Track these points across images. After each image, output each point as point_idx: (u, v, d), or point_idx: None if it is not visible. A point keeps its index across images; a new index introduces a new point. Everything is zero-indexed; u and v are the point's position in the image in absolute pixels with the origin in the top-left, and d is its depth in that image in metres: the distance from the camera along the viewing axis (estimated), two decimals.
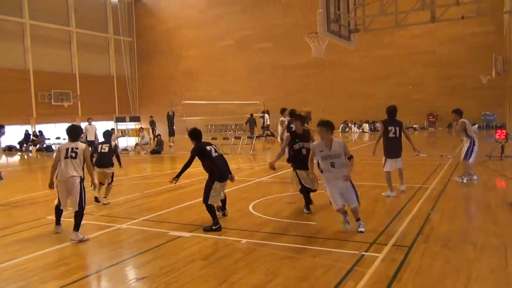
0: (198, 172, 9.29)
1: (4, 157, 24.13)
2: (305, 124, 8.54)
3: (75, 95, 36.28)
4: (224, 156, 7.47)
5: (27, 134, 28.75)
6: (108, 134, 10.16)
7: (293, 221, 7.17)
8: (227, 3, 37.50)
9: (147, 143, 23.56)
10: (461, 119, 10.06)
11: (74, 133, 7.07)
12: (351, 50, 21.29)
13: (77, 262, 5.70)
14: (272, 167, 7.79)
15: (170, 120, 24.76)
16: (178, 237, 6.50)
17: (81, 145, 6.91)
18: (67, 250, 6.16)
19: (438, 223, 6.80)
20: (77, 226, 6.59)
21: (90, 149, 7.25)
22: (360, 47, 17.94)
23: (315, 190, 7.71)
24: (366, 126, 31.28)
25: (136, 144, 23.62)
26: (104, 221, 7.72)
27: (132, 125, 37.07)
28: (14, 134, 30.59)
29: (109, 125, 33.11)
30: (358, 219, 6.46)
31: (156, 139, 22.89)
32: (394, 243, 5.81)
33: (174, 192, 10.33)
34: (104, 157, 9.53)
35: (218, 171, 7.08)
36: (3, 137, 10.19)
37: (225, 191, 7.63)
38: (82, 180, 6.78)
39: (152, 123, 31.93)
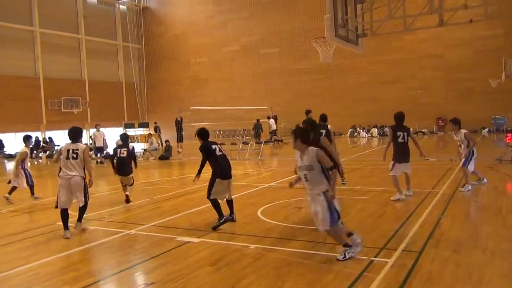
0: (207, 177, 9.30)
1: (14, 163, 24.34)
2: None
3: (84, 101, 36.58)
4: (227, 157, 7.81)
5: (37, 141, 29.03)
6: (125, 137, 10.53)
7: (301, 227, 7.14)
8: (234, 9, 37.70)
9: (156, 149, 23.66)
10: (463, 130, 9.80)
11: (75, 134, 7.52)
12: (359, 54, 21.31)
13: (87, 267, 5.72)
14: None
15: (179, 125, 24.84)
16: (187, 243, 6.50)
17: (81, 146, 7.42)
18: (77, 256, 6.19)
19: (448, 228, 6.73)
20: (80, 219, 7.49)
21: (97, 153, 7.51)
22: (368, 52, 17.94)
23: None
24: (375, 131, 31.15)
25: (145, 150, 23.73)
26: (113, 227, 7.75)
27: (140, 131, 37.27)
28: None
29: (118, 131, 33.24)
30: (344, 244, 5.48)
31: (164, 145, 22.97)
32: (404, 248, 5.75)
33: (183, 197, 10.35)
34: (124, 163, 9.89)
35: (220, 169, 7.44)
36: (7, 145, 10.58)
37: (234, 196, 7.64)
38: (84, 178, 7.36)
39: (156, 129, 32.06)
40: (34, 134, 30.72)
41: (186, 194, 10.86)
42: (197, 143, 7.82)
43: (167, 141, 22.99)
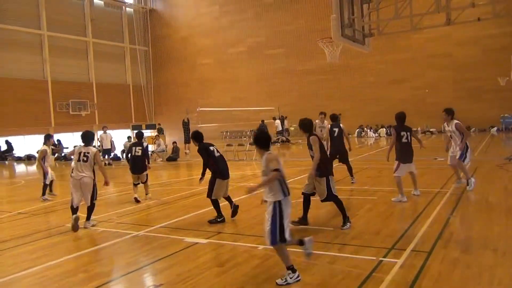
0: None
1: (24, 166, 24.55)
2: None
3: (92, 104, 36.82)
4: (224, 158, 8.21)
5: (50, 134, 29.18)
6: (141, 135, 10.81)
7: (309, 227, 7.12)
8: (239, 10, 37.76)
9: (163, 151, 23.73)
10: (455, 120, 9.47)
11: (87, 138, 8.12)
12: (365, 54, 21.23)
13: (96, 269, 5.75)
14: None
15: (186, 127, 24.88)
16: (195, 244, 6.51)
17: (92, 150, 7.97)
18: (86, 258, 6.22)
19: (457, 228, 6.69)
20: (88, 217, 7.96)
21: (105, 155, 7.76)
22: (374, 51, 17.86)
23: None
24: (383, 131, 31.00)
25: (152, 152, 23.81)
26: (122, 229, 7.78)
27: (148, 133, 37.44)
28: (33, 143, 31.17)
29: (125, 133, 33.40)
30: (288, 267, 4.87)
31: (172, 146, 23.04)
32: (413, 249, 5.72)
33: (190, 199, 10.37)
34: (138, 162, 10.20)
35: (219, 169, 7.88)
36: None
37: (242, 197, 7.65)
38: (93, 179, 7.91)
39: (160, 131, 32.15)
40: (42, 137, 30.99)
41: (194, 195, 10.88)
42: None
43: (174, 142, 23.04)
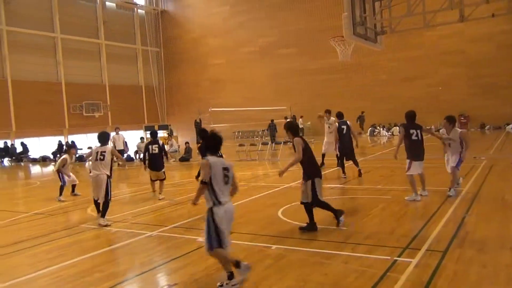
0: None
1: (39, 167, 24.88)
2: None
3: (105, 105, 37.17)
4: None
5: (60, 145, 29.60)
6: (155, 133, 11.20)
7: (322, 227, 7.09)
8: (250, 10, 37.77)
9: (176, 151, 23.86)
10: (459, 130, 9.02)
11: (103, 138, 8.58)
12: (377, 52, 21.10)
13: (111, 269, 5.80)
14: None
15: (198, 127, 24.99)
16: None
17: (108, 148, 8.51)
18: (100, 258, 6.28)
19: (473, 227, 6.61)
20: (103, 214, 8.26)
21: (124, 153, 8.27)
22: (387, 49, 17.75)
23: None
24: (396, 129, 30.73)
25: None
26: (136, 229, 7.84)
27: (160, 134, 37.67)
28: (48, 145, 31.62)
29: (138, 134, 33.70)
30: (228, 276, 4.77)
31: (184, 146, 23.16)
32: (428, 248, 5.66)
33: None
34: (156, 159, 10.54)
35: None
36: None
37: (254, 197, 7.65)
38: (108, 177, 8.32)
39: (170, 133, 32.33)
40: (57, 138, 31.49)
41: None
42: None
43: (187, 142, 23.15)
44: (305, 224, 6.95)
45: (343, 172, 12.46)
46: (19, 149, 30.14)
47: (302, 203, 7.02)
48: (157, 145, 10.69)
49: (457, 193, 8.90)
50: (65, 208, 10.54)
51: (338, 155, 12.97)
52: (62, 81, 34.49)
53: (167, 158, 11.11)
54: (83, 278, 5.44)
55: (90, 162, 8.61)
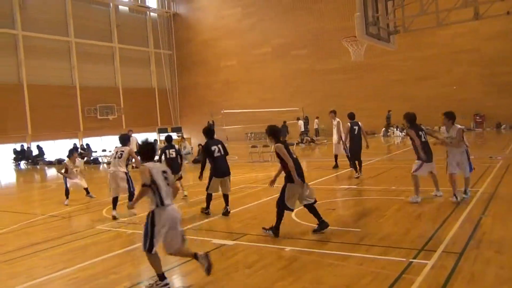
0: (239, 180, 9.38)
1: (54, 170, 25.19)
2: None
3: (119, 108, 37.53)
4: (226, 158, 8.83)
5: (75, 148, 29.93)
6: (170, 139, 11.58)
7: (336, 228, 7.06)
8: (262, 11, 37.80)
9: (189, 153, 23.94)
10: (458, 126, 8.44)
11: (122, 139, 9.65)
12: (390, 52, 20.93)
13: (126, 271, 5.84)
14: None
15: (211, 129, 25.04)
16: (222, 245, 6.54)
17: (126, 148, 9.48)
18: (116, 260, 6.33)
19: (490, 228, 6.51)
20: (130, 199, 8.84)
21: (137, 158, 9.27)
22: (400, 49, 17.58)
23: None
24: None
25: None
26: None
27: (174, 136, 37.89)
28: (63, 147, 32.00)
29: (152, 136, 33.91)
30: (159, 276, 4.99)
31: (198, 148, 23.23)
32: (444, 250, 5.59)
33: (217, 200, 10.41)
34: (175, 162, 10.79)
35: (216, 168, 8.62)
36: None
37: (267, 198, 7.64)
38: (126, 173, 9.28)
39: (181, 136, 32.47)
40: (72, 141, 31.90)
41: (220, 197, 10.93)
42: (231, 146, 8.00)
43: (199, 144, 23.20)
44: (316, 226, 6.88)
45: (357, 171, 12.55)
46: (35, 152, 30.58)
47: (305, 206, 7.04)
48: (173, 149, 11.02)
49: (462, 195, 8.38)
50: (80, 210, 10.65)
51: (349, 156, 13.10)
52: (76, 85, 34.92)
53: (182, 161, 11.23)
54: (98, 280, 5.49)
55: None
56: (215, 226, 7.92)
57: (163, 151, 11.02)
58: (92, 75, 36.10)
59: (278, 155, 6.85)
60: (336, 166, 14.53)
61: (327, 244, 6.25)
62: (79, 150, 29.91)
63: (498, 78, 28.63)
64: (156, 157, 10.23)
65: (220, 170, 8.64)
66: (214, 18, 40.82)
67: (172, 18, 43.79)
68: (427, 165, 8.60)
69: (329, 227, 6.80)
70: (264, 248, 6.29)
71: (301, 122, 29.73)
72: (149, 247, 4.90)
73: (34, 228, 8.95)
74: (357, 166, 12.61)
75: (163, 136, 36.77)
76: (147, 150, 5.33)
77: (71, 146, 29.34)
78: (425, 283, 4.60)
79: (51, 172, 24.82)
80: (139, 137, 21.92)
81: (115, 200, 9.17)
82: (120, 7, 39.42)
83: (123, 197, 9.41)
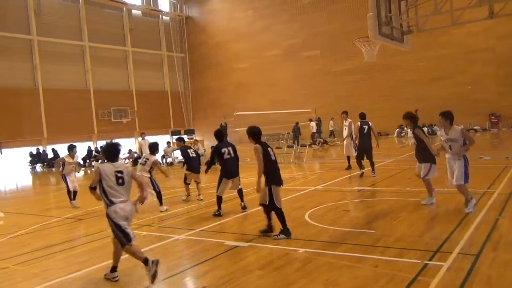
0: (251, 182, 9.34)
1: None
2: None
3: (132, 111, 37.84)
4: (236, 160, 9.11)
5: (89, 150, 30.29)
6: (184, 140, 12.00)
7: (350, 230, 7.01)
8: (273, 14, 37.82)
9: (202, 155, 24.01)
10: (457, 126, 7.56)
11: (151, 148, 10.51)
12: (404, 52, 20.75)
13: (140, 272, 5.85)
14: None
15: (224, 131, 25.10)
16: (236, 247, 6.53)
17: (151, 158, 10.20)
18: (129, 261, 6.35)
19: (507, 230, 6.40)
20: (160, 202, 10.08)
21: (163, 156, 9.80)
22: (413, 48, 17.41)
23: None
24: (424, 130, 30.16)
25: None
26: (164, 232, 7.92)
27: (186, 138, 38.04)
28: (78, 150, 32.29)
29: (165, 139, 34.06)
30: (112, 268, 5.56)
31: (210, 151, 23.32)
32: (460, 251, 5.51)
33: (230, 202, 10.44)
34: (196, 163, 11.18)
35: (225, 170, 8.91)
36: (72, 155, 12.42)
37: (282, 199, 7.63)
38: (150, 178, 10.06)
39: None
40: (86, 144, 32.24)
41: (233, 198, 10.94)
42: (242, 148, 8.03)
43: (212, 147, 23.28)
44: (266, 228, 6.99)
45: (361, 168, 13.00)
46: (50, 155, 30.97)
47: (260, 204, 7.02)
48: (193, 150, 11.33)
49: (475, 204, 7.69)
50: (95, 212, 10.73)
51: (356, 155, 13.37)
52: (90, 88, 35.32)
53: (200, 161, 11.66)
54: (112, 281, 5.52)
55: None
56: (227, 228, 7.92)
57: (186, 151, 11.13)
58: (106, 79, 36.48)
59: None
60: (349, 167, 14.47)
61: (341, 246, 6.21)
62: (94, 153, 30.21)
63: None
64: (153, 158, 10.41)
65: (229, 171, 8.95)
66: (226, 21, 40.97)
67: (184, 21, 44.06)
68: (435, 166, 8.33)
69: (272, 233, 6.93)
70: (278, 249, 6.27)
71: (313, 124, 29.62)
72: (127, 240, 5.30)
73: (49, 230, 9.05)
74: (362, 165, 12.98)
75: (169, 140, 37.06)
76: (109, 151, 5.72)
77: (73, 144, 29.63)
78: (441, 285, 4.54)
79: None
80: (153, 140, 22.23)
81: (159, 196, 10.27)
82: (133, 11, 39.79)
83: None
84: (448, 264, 5.08)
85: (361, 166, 12.97)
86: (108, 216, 5.38)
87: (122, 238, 5.29)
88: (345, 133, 14.49)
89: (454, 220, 7.08)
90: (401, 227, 7.00)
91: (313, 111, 31.77)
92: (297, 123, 28.83)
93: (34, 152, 30.92)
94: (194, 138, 32.19)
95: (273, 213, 6.91)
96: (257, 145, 6.85)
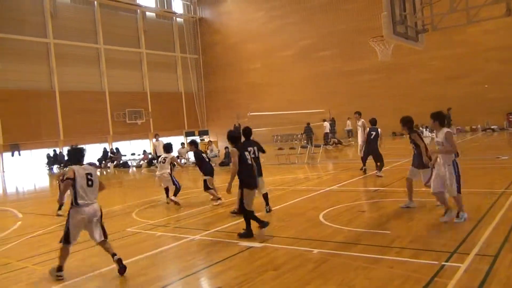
0: (266, 183, 9.35)
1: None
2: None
3: (147, 112, 38.17)
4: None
5: (105, 152, 30.60)
6: (197, 143, 12.07)
7: (365, 230, 6.96)
8: (286, 14, 37.80)
9: (216, 156, 24.10)
10: (446, 129, 6.93)
11: (166, 148, 11.54)
12: (419, 51, 20.52)
13: (155, 272, 5.91)
14: None
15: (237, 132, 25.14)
16: (250, 248, 6.54)
17: (169, 155, 11.23)
18: (145, 261, 6.42)
19: None
20: (175, 194, 10.80)
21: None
22: (428, 47, 17.20)
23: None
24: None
25: None
26: (179, 233, 7.97)
27: (199, 139, 38.19)
28: (93, 152, 32.72)
29: (179, 140, 34.27)
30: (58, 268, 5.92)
31: (224, 151, 23.38)
32: (478, 252, 5.43)
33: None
34: (208, 166, 11.17)
35: (247, 174, 8.73)
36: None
37: (295, 200, 7.62)
38: (170, 174, 11.03)
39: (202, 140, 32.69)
40: (102, 146, 32.61)
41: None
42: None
43: (226, 147, 23.32)
44: (243, 231, 7.16)
45: (364, 165, 13.69)
46: (66, 156, 31.35)
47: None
48: (205, 154, 11.65)
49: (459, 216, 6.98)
50: (111, 213, 10.85)
51: (362, 156, 13.86)
52: (106, 90, 35.73)
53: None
54: (128, 281, 5.58)
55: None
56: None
57: (200, 154, 11.13)
58: (121, 81, 36.86)
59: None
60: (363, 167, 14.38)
61: (356, 246, 6.17)
62: (109, 154, 30.52)
63: None
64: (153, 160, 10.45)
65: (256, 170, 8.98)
66: (239, 22, 41.06)
67: (198, 23, 44.29)
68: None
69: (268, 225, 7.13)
70: (292, 250, 6.26)
71: (326, 124, 29.45)
72: (64, 240, 5.81)
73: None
74: (365, 163, 13.68)
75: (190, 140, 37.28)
76: (74, 154, 6.22)
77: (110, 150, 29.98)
78: (458, 287, 4.48)
79: None
80: (165, 141, 22.40)
81: (166, 190, 11.23)
82: (147, 13, 40.13)
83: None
84: (466, 266, 5.01)
85: (364, 164, 13.72)
86: (68, 213, 5.87)
87: (65, 236, 5.83)
88: (359, 133, 14.47)
89: (472, 221, 6.97)
90: (417, 227, 6.92)
91: (326, 111, 31.61)
92: (308, 124, 28.71)
93: (51, 153, 31.35)
94: (208, 140, 32.33)
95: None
96: (234, 148, 7.25)
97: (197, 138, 35.71)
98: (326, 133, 29.05)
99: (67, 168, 6.08)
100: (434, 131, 7.28)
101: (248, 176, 7.18)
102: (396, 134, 29.47)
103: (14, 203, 15.34)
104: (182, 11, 43.37)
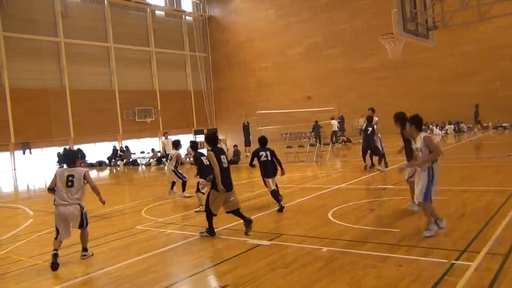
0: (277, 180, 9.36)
1: (95, 171, 26.01)
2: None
3: (156, 111, 38.35)
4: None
5: (115, 150, 30.80)
6: (197, 144, 12.15)
7: (374, 229, 6.93)
8: (295, 12, 37.72)
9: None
10: (424, 133, 6.32)
11: (174, 144, 12.26)
12: (429, 48, 20.38)
13: (164, 270, 5.94)
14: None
15: (246, 130, 25.17)
16: (258, 246, 6.54)
17: (174, 153, 11.97)
18: (154, 259, 6.45)
19: None
20: (183, 190, 11.91)
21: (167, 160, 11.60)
22: (439, 45, 17.06)
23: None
24: (450, 128, 29.55)
25: None
26: (188, 230, 8.00)
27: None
28: (103, 150, 32.98)
29: (188, 138, 34.42)
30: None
31: (233, 149, 23.43)
32: (488, 251, 5.37)
33: (253, 200, 10.46)
34: (208, 171, 10.67)
35: (264, 169, 9.42)
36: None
37: (304, 198, 7.60)
38: (174, 169, 11.95)
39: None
40: (111, 144, 32.84)
41: (255, 197, 10.97)
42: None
43: (235, 145, 23.39)
44: (245, 228, 7.27)
45: (365, 162, 14.18)
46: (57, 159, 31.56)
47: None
48: (205, 158, 11.17)
49: (441, 228, 6.35)
50: (120, 210, 10.93)
51: (362, 153, 14.42)
52: (115, 89, 35.95)
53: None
54: (138, 278, 5.61)
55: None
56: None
57: (198, 158, 10.72)
58: (130, 79, 37.08)
59: (208, 161, 7.62)
60: (372, 166, 14.33)
61: (365, 245, 6.14)
62: (119, 152, 30.71)
63: None
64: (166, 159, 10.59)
65: (267, 171, 9.34)
66: (248, 20, 41.07)
67: (207, 21, 44.36)
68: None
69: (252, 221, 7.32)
70: (301, 248, 6.25)
71: (334, 122, 29.33)
72: (56, 235, 6.38)
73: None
74: (365, 160, 14.21)
75: (200, 138, 37.36)
76: (64, 157, 6.69)
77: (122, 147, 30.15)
78: (468, 285, 4.44)
79: (92, 174, 25.59)
80: (173, 138, 22.56)
81: (172, 184, 12.16)
82: (157, 12, 40.29)
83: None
84: (476, 264, 4.96)
85: (365, 160, 14.25)
86: (55, 213, 6.40)
87: (56, 231, 6.38)
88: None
89: (482, 219, 6.92)
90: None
91: (336, 109, 31.49)
92: (316, 122, 28.62)
93: (61, 152, 31.63)
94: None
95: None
96: (210, 152, 7.32)
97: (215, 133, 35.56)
98: (334, 131, 28.93)
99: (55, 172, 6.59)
100: (412, 136, 6.50)
101: (221, 178, 7.11)
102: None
103: (25, 201, 15.50)
104: (191, 9, 43.48)
